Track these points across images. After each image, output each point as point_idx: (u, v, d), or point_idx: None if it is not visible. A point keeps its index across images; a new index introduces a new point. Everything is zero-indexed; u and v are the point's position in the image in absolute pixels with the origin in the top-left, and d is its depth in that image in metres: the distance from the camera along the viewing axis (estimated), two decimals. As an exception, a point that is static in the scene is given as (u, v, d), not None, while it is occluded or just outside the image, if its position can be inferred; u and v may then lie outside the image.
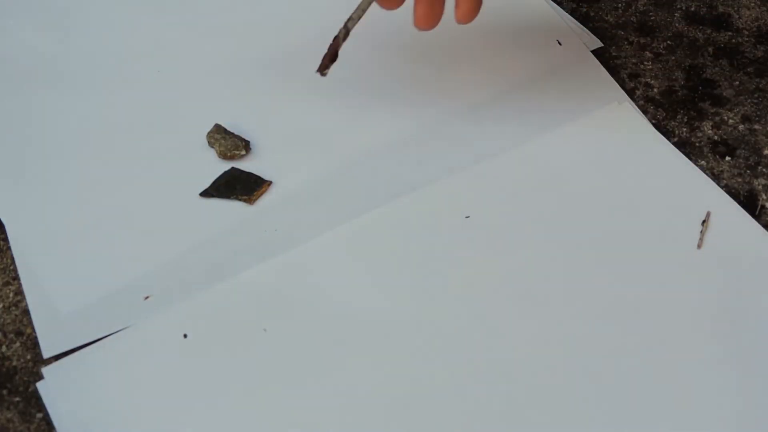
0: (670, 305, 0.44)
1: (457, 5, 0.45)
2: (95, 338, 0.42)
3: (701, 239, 0.46)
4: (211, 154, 0.50)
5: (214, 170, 0.49)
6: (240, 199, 0.47)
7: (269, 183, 0.47)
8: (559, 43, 0.56)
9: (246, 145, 0.49)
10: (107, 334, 0.42)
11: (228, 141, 0.49)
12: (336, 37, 0.46)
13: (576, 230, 0.46)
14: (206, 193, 0.47)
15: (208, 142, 0.50)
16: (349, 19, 0.46)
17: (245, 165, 0.49)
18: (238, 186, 0.47)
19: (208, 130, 0.50)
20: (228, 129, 0.50)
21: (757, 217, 0.47)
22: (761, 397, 0.40)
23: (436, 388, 0.41)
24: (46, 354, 0.42)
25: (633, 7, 0.60)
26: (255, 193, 0.46)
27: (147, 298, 0.43)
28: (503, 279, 0.44)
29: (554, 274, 0.45)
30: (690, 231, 0.46)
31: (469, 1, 0.45)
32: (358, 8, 0.46)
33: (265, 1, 0.58)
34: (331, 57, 0.46)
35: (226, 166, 0.49)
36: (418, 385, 0.41)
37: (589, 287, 0.44)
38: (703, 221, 0.47)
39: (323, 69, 0.46)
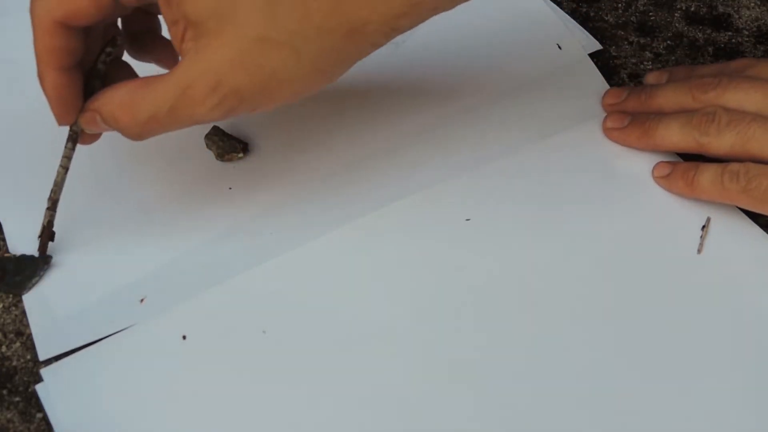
0: (671, 310, 0.44)
1: None
2: (91, 341, 0.42)
3: (701, 244, 0.46)
4: (209, 156, 0.50)
5: (212, 172, 0.49)
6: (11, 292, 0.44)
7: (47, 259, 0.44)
8: (559, 47, 0.56)
9: (244, 148, 0.49)
10: (103, 336, 0.42)
11: (226, 143, 0.49)
12: (48, 221, 0.45)
13: (576, 235, 0.46)
14: None
15: (206, 144, 0.49)
16: (49, 199, 0.45)
17: (243, 167, 0.49)
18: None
19: (206, 131, 0.50)
20: (226, 131, 0.50)
21: (757, 221, 0.47)
22: (762, 401, 0.41)
23: (436, 391, 0.41)
24: (42, 356, 0.42)
25: (633, 7, 0.60)
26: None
27: (143, 300, 0.44)
28: (504, 282, 0.45)
29: (554, 278, 0.45)
30: (690, 236, 0.47)
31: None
32: (54, 183, 0.45)
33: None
34: (49, 237, 0.45)
35: (224, 167, 0.49)
36: (417, 387, 0.41)
37: (590, 292, 0.44)
38: (703, 226, 0.47)
39: (43, 250, 0.45)
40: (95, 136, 0.45)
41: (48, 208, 0.45)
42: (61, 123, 0.43)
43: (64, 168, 0.44)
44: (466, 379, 0.41)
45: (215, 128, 0.50)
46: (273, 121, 0.51)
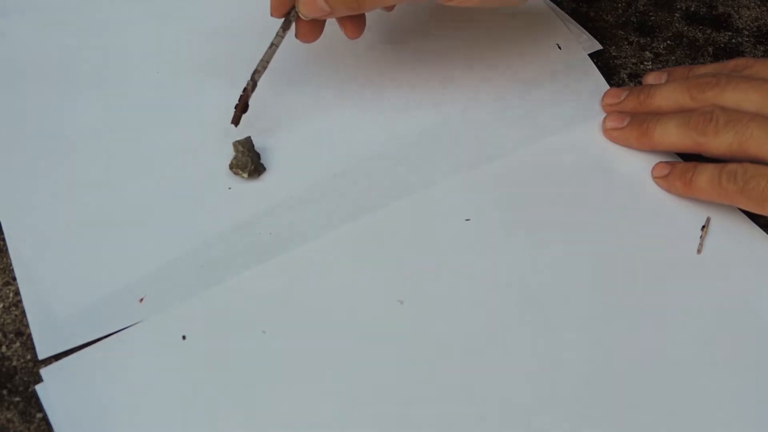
0: (671, 310, 0.44)
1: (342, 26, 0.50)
2: (90, 340, 0.42)
3: (701, 244, 0.46)
4: (209, 156, 0.49)
5: (213, 172, 0.49)
6: None
7: None
8: (559, 47, 0.56)
9: (253, 171, 0.48)
10: (103, 335, 0.42)
11: (244, 157, 0.48)
12: (245, 89, 0.48)
13: (576, 235, 0.46)
14: None
15: (233, 146, 0.49)
16: (255, 72, 0.49)
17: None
18: None
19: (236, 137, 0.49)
20: (253, 147, 0.49)
21: (756, 221, 0.47)
22: (762, 401, 0.41)
23: (435, 392, 0.41)
24: (42, 355, 0.42)
25: (633, 7, 0.60)
26: None
27: (142, 300, 0.44)
28: (503, 282, 0.45)
29: (554, 279, 0.45)
30: (690, 236, 0.47)
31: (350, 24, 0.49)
32: (262, 60, 0.49)
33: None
34: (242, 109, 0.49)
35: (229, 175, 0.49)
36: (416, 388, 0.41)
37: (590, 292, 0.44)
38: (703, 226, 0.47)
39: (236, 121, 0.49)
40: (312, 30, 0.49)
41: (251, 80, 0.48)
42: (274, 14, 0.48)
43: (275, 46, 0.49)
44: (466, 379, 0.41)
45: (248, 139, 0.49)
46: (273, 121, 0.51)
